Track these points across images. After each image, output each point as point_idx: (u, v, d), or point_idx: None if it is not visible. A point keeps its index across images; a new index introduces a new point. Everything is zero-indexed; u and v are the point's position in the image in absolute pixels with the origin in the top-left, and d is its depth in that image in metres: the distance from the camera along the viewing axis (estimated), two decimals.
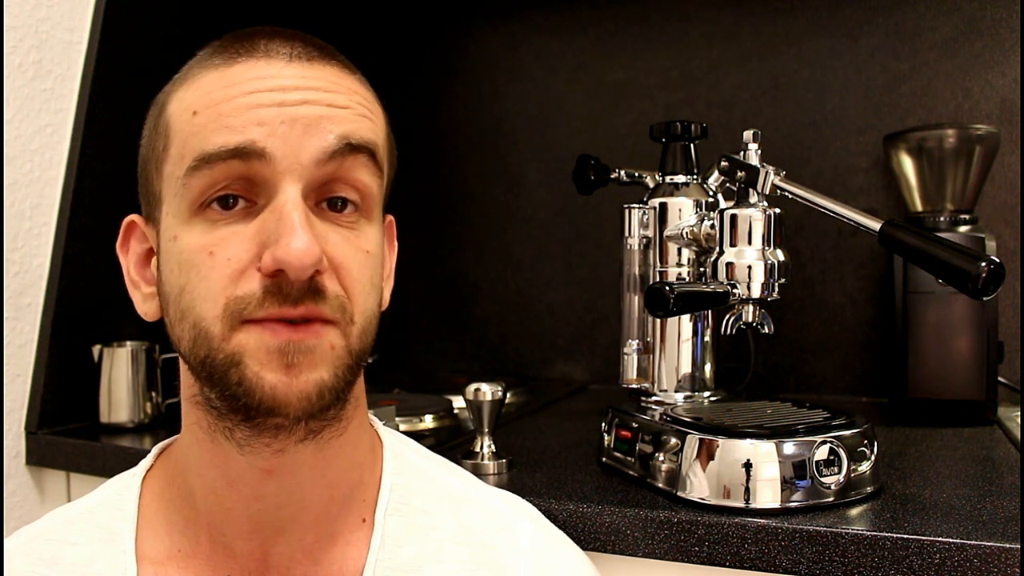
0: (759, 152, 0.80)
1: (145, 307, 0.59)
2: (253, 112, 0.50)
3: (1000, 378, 1.09)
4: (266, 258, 0.49)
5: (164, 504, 0.60)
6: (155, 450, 0.64)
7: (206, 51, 0.55)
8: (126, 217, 0.60)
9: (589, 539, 0.74)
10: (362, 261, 0.54)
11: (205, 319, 0.51)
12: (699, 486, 0.74)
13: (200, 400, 0.55)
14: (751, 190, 0.79)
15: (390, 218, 0.63)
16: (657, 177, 0.91)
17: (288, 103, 0.51)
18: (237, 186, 0.51)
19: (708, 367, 0.88)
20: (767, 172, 0.79)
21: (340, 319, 0.52)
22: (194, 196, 0.51)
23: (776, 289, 0.78)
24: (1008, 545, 0.62)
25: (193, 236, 0.52)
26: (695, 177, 0.89)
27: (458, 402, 1.13)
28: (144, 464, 0.63)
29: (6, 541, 0.62)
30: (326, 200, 0.53)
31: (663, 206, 0.88)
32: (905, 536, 0.65)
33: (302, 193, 0.51)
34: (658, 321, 0.88)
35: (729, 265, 0.78)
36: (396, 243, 0.65)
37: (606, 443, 0.87)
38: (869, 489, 0.75)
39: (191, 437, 0.57)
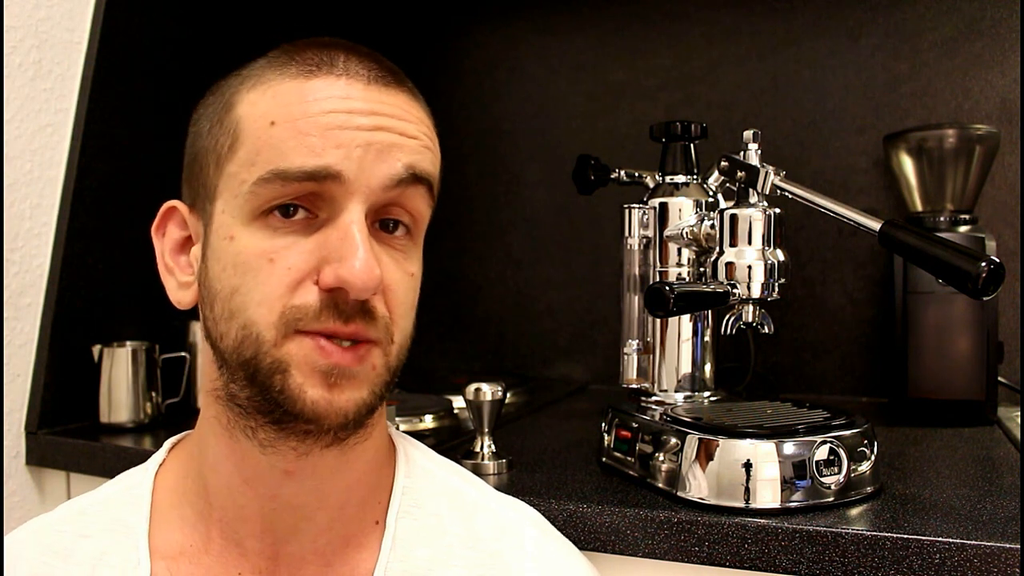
0: (759, 152, 0.80)
1: (179, 295, 0.59)
2: (332, 134, 0.52)
3: (1000, 378, 1.09)
4: (327, 274, 0.51)
5: (177, 498, 0.60)
6: (168, 444, 0.64)
7: (279, 55, 0.56)
8: (165, 202, 0.60)
9: (589, 539, 0.74)
10: (407, 284, 0.56)
11: (258, 323, 0.52)
12: (699, 486, 0.74)
13: (222, 395, 0.55)
14: (751, 190, 0.79)
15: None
16: (657, 177, 0.91)
17: (364, 127, 0.53)
18: (303, 199, 0.52)
19: (708, 367, 0.88)
20: (767, 172, 0.79)
21: (383, 339, 0.54)
22: (259, 203, 0.52)
23: (776, 289, 0.78)
24: (1008, 545, 0.62)
25: (253, 240, 0.52)
26: (695, 177, 0.89)
27: (458, 402, 1.13)
28: (157, 458, 0.63)
29: (16, 531, 0.62)
30: (379, 221, 0.55)
31: (663, 206, 0.88)
32: (905, 536, 0.65)
33: (365, 214, 0.53)
34: (658, 321, 0.88)
35: (729, 265, 0.78)
36: (422, 265, 0.66)
37: (606, 443, 0.87)
38: (869, 489, 0.75)
39: (208, 431, 0.57)
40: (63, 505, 0.63)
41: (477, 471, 0.79)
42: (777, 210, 0.79)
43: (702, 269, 0.85)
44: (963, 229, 1.09)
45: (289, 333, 0.52)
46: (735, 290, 0.77)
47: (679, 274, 0.87)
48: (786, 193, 0.79)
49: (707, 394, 0.88)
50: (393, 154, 0.53)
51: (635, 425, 0.83)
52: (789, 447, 0.72)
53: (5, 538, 0.61)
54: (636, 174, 0.95)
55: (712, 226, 0.83)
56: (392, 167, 0.53)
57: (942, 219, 1.11)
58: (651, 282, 0.85)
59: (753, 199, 0.79)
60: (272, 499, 0.56)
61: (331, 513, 0.57)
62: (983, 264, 0.64)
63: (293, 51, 0.55)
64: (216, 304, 0.54)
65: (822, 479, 0.72)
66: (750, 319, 0.79)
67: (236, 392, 0.53)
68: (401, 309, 0.55)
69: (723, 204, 0.86)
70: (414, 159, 0.55)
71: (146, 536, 0.58)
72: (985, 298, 0.65)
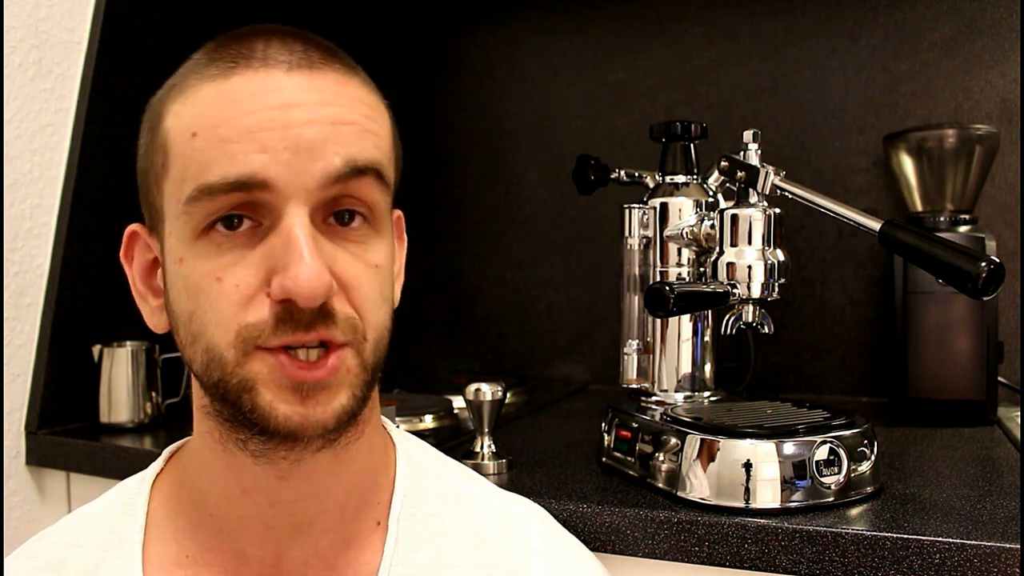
0: (759, 152, 0.80)
1: (154, 320, 0.58)
2: (254, 137, 0.48)
3: (1000, 378, 1.09)
4: (275, 286, 0.49)
5: (173, 508, 0.59)
6: (165, 453, 0.64)
7: (201, 55, 0.53)
8: (128, 227, 0.59)
9: (589, 539, 0.74)
10: (371, 276, 0.53)
11: (218, 345, 0.50)
12: (699, 486, 0.74)
13: (211, 412, 0.54)
14: (751, 190, 0.79)
15: (398, 213, 0.61)
16: (657, 177, 0.91)
17: (291, 124, 0.49)
18: (241, 208, 0.50)
19: (708, 367, 0.88)
20: (767, 172, 0.79)
21: (354, 339, 0.51)
22: (197, 222, 0.50)
23: (776, 289, 0.78)
24: (1008, 545, 0.62)
25: (199, 260, 0.50)
26: (695, 177, 0.89)
27: (458, 402, 1.13)
28: (154, 468, 0.63)
29: (19, 547, 0.62)
30: (334, 214, 0.52)
31: (663, 206, 0.88)
32: (905, 536, 0.65)
33: (308, 215, 0.50)
34: (658, 321, 0.88)
35: (729, 265, 0.78)
36: (405, 237, 0.63)
37: (606, 443, 0.87)
38: (869, 489, 0.75)
39: (203, 445, 0.57)
40: (65, 517, 0.63)
41: (477, 471, 0.79)
42: (777, 210, 0.79)
43: (702, 269, 0.85)
44: (963, 229, 1.09)
45: (249, 351, 0.50)
46: (735, 290, 0.77)
47: (679, 274, 0.87)
48: (786, 193, 0.79)
49: (707, 394, 0.88)
50: (328, 148, 0.49)
51: (635, 425, 0.83)
52: (789, 447, 0.72)
53: (6, 558, 0.61)
54: (636, 174, 0.95)
55: (712, 226, 0.83)
56: (329, 164, 0.49)
57: (942, 219, 1.11)
58: (651, 282, 0.85)
59: (753, 199, 0.79)
60: (271, 506, 0.55)
61: (331, 515, 0.57)
62: (983, 264, 0.64)
63: (214, 48, 0.53)
64: (180, 329, 0.53)
65: (822, 479, 0.72)
66: (750, 319, 0.79)
67: (219, 409, 0.53)
68: (368, 304, 0.52)
69: (723, 204, 0.86)
70: (353, 150, 0.50)
71: (140, 547, 0.57)
72: (985, 298, 0.65)
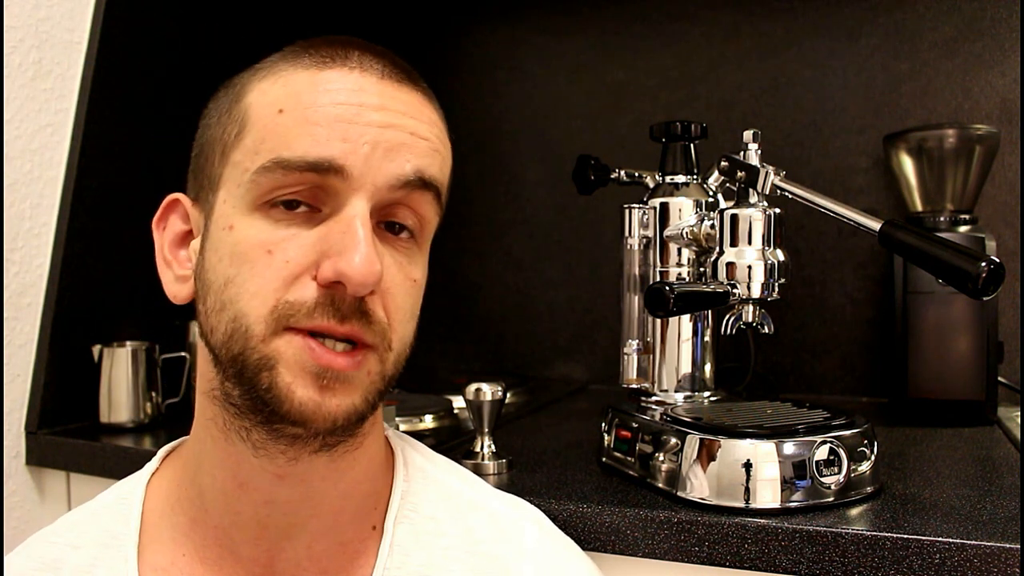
0: (759, 152, 0.80)
1: (176, 288, 0.58)
2: (340, 126, 0.51)
3: (1000, 378, 1.09)
4: (326, 268, 0.50)
5: (169, 507, 0.59)
6: (161, 452, 0.64)
7: (294, 48, 0.56)
8: (168, 195, 0.60)
9: (589, 539, 0.74)
10: (408, 289, 0.55)
11: (248, 316, 0.51)
12: (699, 486, 0.74)
13: (219, 395, 0.54)
14: (751, 190, 0.79)
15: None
16: (657, 177, 0.91)
17: (374, 123, 0.52)
18: (306, 193, 0.51)
19: (708, 367, 0.88)
20: (767, 172, 0.79)
21: (380, 344, 0.53)
22: (260, 193, 0.51)
23: (776, 289, 0.78)
24: (1008, 545, 0.62)
25: (252, 230, 0.51)
26: (695, 177, 0.89)
27: (458, 402, 1.13)
28: (150, 467, 0.63)
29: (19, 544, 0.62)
30: (384, 222, 0.54)
31: (663, 206, 0.88)
32: (905, 536, 0.65)
33: (369, 211, 0.51)
34: (658, 321, 0.88)
35: (729, 265, 0.78)
36: (426, 272, 0.65)
37: (606, 443, 0.87)
38: (869, 489, 0.75)
39: (205, 434, 0.57)
40: (64, 516, 0.63)
41: (477, 471, 0.79)
42: (777, 210, 0.79)
43: (702, 269, 0.85)
44: (963, 229, 1.09)
45: (279, 329, 0.50)
46: (735, 290, 0.77)
47: (679, 274, 0.87)
48: (786, 193, 0.79)
49: (707, 394, 0.88)
50: (402, 154, 0.52)
51: (635, 425, 0.83)
52: (789, 447, 0.72)
53: (6, 557, 0.61)
54: (636, 174, 0.95)
55: (712, 226, 0.83)
56: (400, 167, 0.52)
57: (942, 219, 1.11)
58: (651, 282, 0.85)
59: (753, 199, 0.79)
60: (266, 504, 0.55)
61: (326, 519, 0.57)
62: (983, 264, 0.64)
63: (308, 45, 0.55)
64: (209, 296, 0.53)
65: (822, 479, 0.72)
66: (750, 319, 0.79)
67: (230, 390, 0.52)
68: (400, 315, 0.54)
69: (723, 204, 0.86)
70: (423, 163, 0.54)
71: (135, 548, 0.58)
72: (985, 298, 0.65)
